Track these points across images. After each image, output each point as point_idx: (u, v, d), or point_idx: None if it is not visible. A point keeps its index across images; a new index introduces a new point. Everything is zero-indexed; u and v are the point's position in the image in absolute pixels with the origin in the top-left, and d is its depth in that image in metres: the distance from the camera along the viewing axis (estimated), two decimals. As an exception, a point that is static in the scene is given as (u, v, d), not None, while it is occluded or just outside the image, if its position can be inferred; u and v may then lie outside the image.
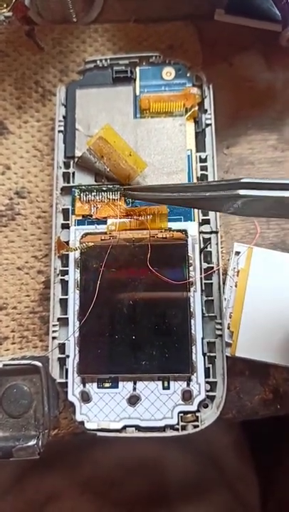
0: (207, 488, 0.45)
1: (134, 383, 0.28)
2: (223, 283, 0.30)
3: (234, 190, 0.23)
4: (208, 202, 0.25)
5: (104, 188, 0.31)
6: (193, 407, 0.28)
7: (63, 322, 0.30)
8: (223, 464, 0.47)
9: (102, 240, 0.30)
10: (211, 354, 0.29)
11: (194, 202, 0.26)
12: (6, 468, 0.46)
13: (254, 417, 0.31)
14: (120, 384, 0.29)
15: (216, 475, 0.46)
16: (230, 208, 0.24)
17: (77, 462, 0.45)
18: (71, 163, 0.32)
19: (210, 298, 0.29)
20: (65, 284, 0.30)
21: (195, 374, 0.28)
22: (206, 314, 0.29)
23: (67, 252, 0.30)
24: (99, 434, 0.28)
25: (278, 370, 0.31)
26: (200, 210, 0.31)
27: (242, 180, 0.23)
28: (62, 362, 0.29)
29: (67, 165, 0.32)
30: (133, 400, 0.28)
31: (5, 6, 0.33)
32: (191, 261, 0.29)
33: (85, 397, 0.28)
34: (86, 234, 0.30)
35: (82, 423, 0.28)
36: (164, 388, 0.28)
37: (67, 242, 0.30)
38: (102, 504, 0.43)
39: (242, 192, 0.23)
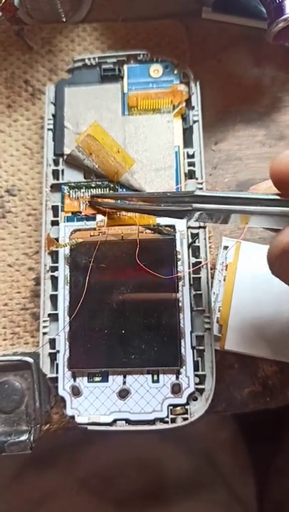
0: (203, 485, 0.45)
1: (124, 377, 0.29)
2: (212, 277, 0.30)
3: (188, 203, 0.24)
4: (168, 212, 0.25)
5: (93, 185, 0.31)
6: (183, 400, 0.28)
7: (54, 318, 0.30)
8: (219, 461, 0.47)
9: (91, 236, 0.30)
10: (200, 347, 0.29)
11: (154, 212, 0.28)
12: (2, 467, 0.46)
13: (244, 410, 0.31)
14: (110, 378, 0.29)
15: (213, 472, 0.47)
16: (192, 218, 0.24)
17: (74, 460, 0.46)
18: (60, 160, 0.32)
19: (198, 292, 0.30)
20: (55, 280, 0.30)
21: (184, 367, 0.28)
22: (195, 308, 0.29)
23: (56, 249, 0.30)
24: (89, 427, 0.28)
25: (267, 363, 0.31)
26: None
27: (195, 193, 0.23)
28: (52, 357, 0.30)
29: (56, 162, 0.32)
30: (123, 394, 0.29)
31: (-6, 6, 0.33)
32: (179, 256, 0.30)
33: (76, 392, 0.29)
34: (75, 230, 0.31)
35: (72, 417, 0.28)
36: (153, 381, 0.29)
37: (56, 239, 0.31)
38: (99, 502, 0.44)
39: (195, 205, 0.23)
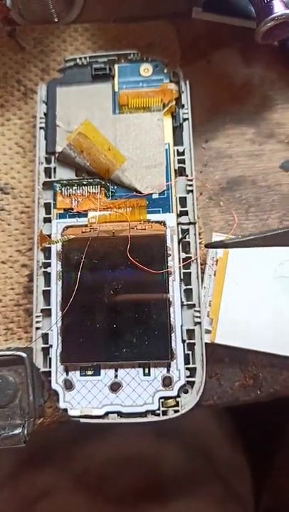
0: (199, 481, 0.45)
1: (116, 370, 0.29)
2: (202, 272, 0.31)
3: None
4: None
5: (84, 182, 0.32)
6: (174, 393, 0.29)
7: (46, 313, 0.30)
8: (215, 457, 0.48)
9: (83, 232, 0.31)
10: (191, 341, 0.29)
11: None
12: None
13: (235, 403, 0.31)
14: (102, 371, 0.29)
15: (209, 468, 0.47)
16: None
17: (70, 458, 0.46)
18: (52, 158, 0.33)
19: (189, 287, 0.30)
20: (47, 276, 0.31)
21: (175, 360, 0.29)
22: (185, 303, 0.30)
23: (49, 245, 0.31)
24: (82, 420, 0.29)
25: (258, 356, 0.31)
26: (178, 202, 0.31)
27: None
28: (45, 351, 0.30)
29: (48, 160, 0.33)
30: (115, 387, 0.29)
31: (-14, 7, 0.34)
32: (169, 251, 0.30)
33: (68, 385, 0.29)
34: (67, 227, 0.31)
35: (65, 410, 0.29)
36: (144, 375, 0.29)
37: (49, 236, 0.31)
38: (95, 499, 0.44)
39: None
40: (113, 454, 0.46)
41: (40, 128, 0.33)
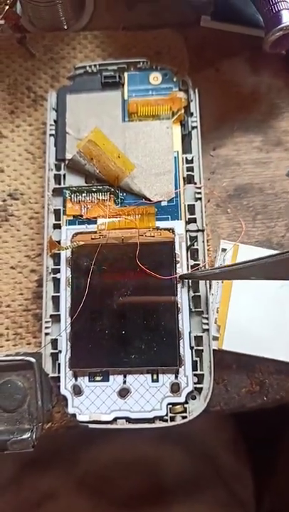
0: (202, 486, 0.46)
1: (124, 376, 0.29)
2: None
3: None
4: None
5: (94, 189, 0.32)
6: (182, 399, 0.29)
7: (55, 319, 0.31)
8: (218, 462, 0.48)
9: (92, 239, 0.31)
10: (199, 348, 0.30)
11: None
12: (3, 468, 0.47)
13: (241, 409, 0.32)
14: (111, 377, 0.30)
15: (212, 472, 0.47)
16: None
17: (74, 461, 0.46)
18: (62, 165, 0.33)
19: (197, 294, 0.30)
20: (57, 282, 0.31)
21: (183, 367, 0.29)
22: (193, 309, 0.30)
23: (58, 251, 0.31)
24: (90, 426, 0.29)
25: (264, 363, 0.31)
26: (187, 209, 0.32)
27: None
28: (54, 357, 0.30)
29: (58, 167, 0.33)
30: (123, 393, 0.29)
31: (-3, 14, 0.34)
32: (178, 258, 0.31)
33: (77, 391, 0.29)
34: (77, 233, 0.31)
35: (74, 416, 0.29)
36: (153, 381, 0.29)
37: (58, 242, 0.31)
38: (98, 502, 0.44)
39: None
40: (117, 457, 0.46)
41: (50, 135, 0.33)
